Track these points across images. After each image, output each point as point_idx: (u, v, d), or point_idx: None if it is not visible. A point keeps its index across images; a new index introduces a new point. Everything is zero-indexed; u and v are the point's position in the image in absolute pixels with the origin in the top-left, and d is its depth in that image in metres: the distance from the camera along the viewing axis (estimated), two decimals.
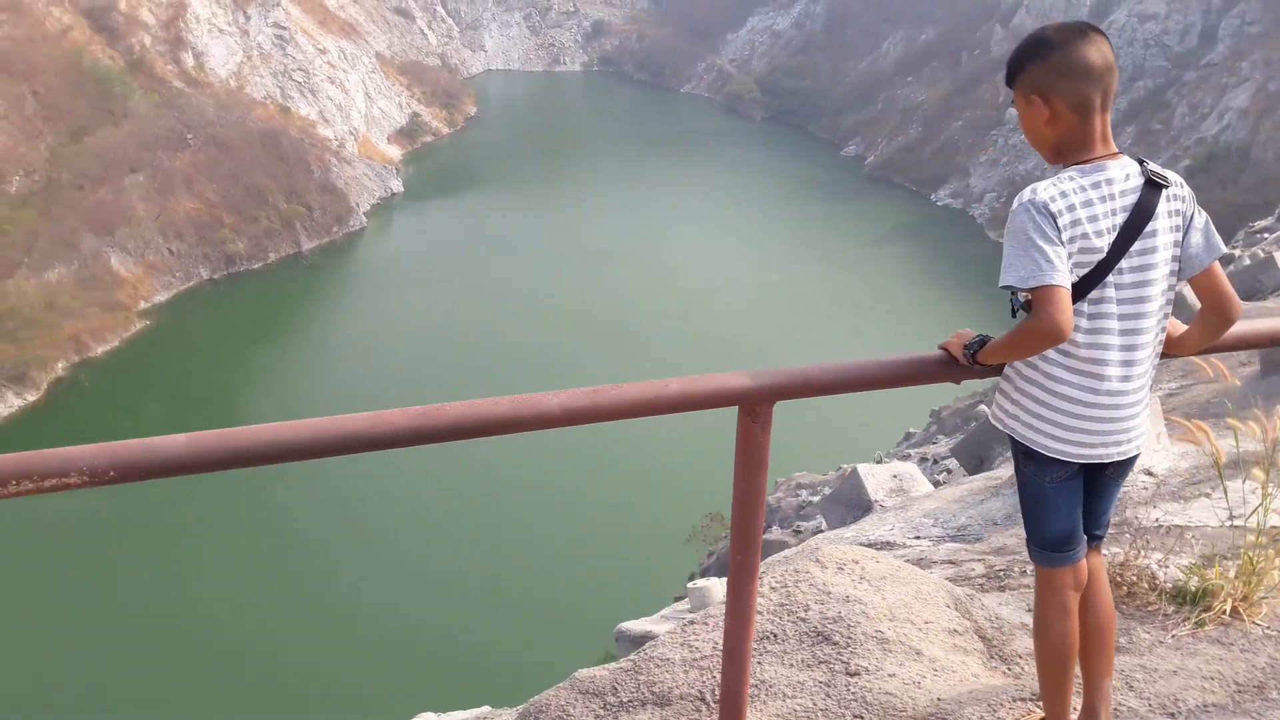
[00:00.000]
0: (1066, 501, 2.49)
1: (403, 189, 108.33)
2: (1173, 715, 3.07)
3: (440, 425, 2.06)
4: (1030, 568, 4.86)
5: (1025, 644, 3.56)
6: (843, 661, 3.22)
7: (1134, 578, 4.10)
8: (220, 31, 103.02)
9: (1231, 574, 3.83)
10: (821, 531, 29.54)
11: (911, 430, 41.90)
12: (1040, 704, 2.99)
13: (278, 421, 2.00)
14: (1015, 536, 6.24)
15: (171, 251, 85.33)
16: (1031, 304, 2.26)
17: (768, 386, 2.37)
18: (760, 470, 2.44)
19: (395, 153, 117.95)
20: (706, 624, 3.61)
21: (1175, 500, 5.83)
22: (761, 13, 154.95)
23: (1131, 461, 2.53)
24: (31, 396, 67.46)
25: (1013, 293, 2.45)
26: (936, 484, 9.90)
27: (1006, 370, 2.50)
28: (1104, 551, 4.88)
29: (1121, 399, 2.38)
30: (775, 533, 31.94)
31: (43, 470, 1.77)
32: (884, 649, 3.24)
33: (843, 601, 3.48)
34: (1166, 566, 4.12)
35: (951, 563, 5.72)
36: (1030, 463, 2.48)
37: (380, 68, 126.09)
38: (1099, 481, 2.54)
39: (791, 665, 3.22)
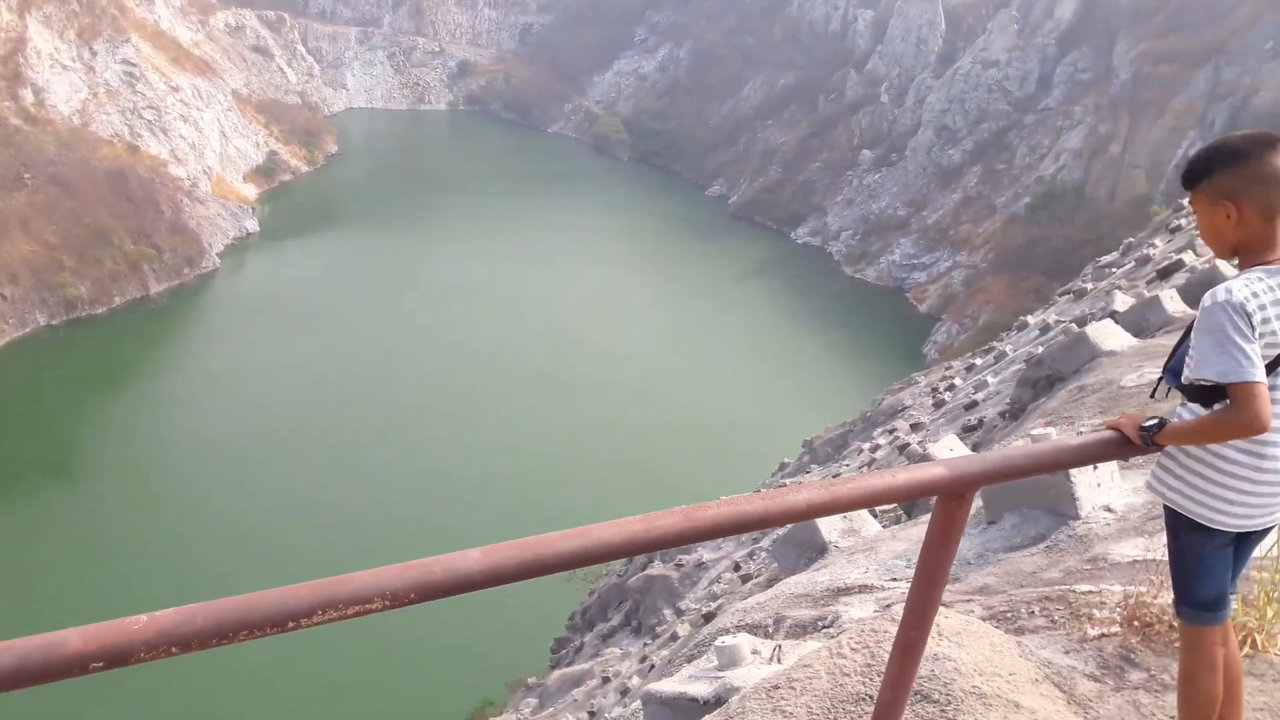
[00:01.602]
0: (1222, 567, 2.68)
1: (259, 228, 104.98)
2: None
3: (704, 525, 2.14)
4: (1038, 610, 5.12)
5: (1087, 688, 3.77)
6: (948, 718, 3.34)
7: (1153, 617, 4.37)
8: (63, 67, 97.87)
9: (1259, 611, 4.16)
10: (703, 565, 29.71)
11: (785, 460, 43.05)
12: None
13: (564, 528, 2.02)
14: (992, 575, 6.53)
15: (4, 297, 79.99)
16: (1230, 398, 2.42)
17: (977, 474, 2.49)
18: (953, 554, 2.55)
19: (251, 191, 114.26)
20: (793, 688, 3.67)
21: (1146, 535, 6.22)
22: (627, 56, 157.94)
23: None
24: None
25: (1168, 382, 2.65)
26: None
27: (1170, 448, 2.67)
28: (1119, 586, 5.20)
29: None
30: (657, 567, 32.15)
31: (348, 598, 1.73)
32: (984, 704, 3.38)
33: (931, 659, 3.60)
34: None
35: (945, 605, 5.94)
36: (1194, 532, 2.64)
37: (237, 106, 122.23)
38: (1245, 544, 2.74)
39: None
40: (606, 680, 22.18)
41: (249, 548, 53.94)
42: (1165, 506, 2.72)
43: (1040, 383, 13.07)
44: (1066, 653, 4.18)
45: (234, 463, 63.18)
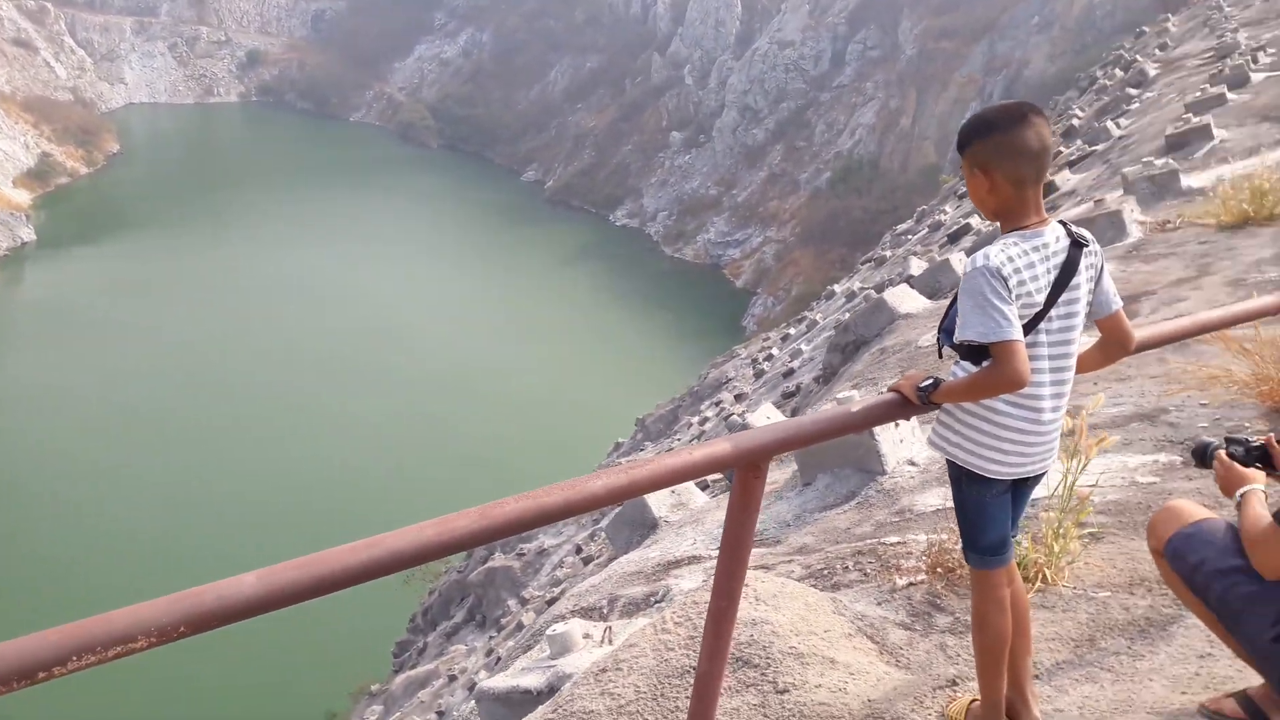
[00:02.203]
0: (1002, 512, 2.84)
1: (35, 237, 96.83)
2: (1038, 677, 3.55)
3: (500, 522, 2.06)
4: (851, 564, 5.33)
5: (898, 635, 3.94)
6: (770, 681, 3.41)
7: (954, 563, 4.62)
8: None
9: (1046, 547, 4.47)
10: (545, 552, 29.74)
11: (620, 440, 43.54)
12: (956, 689, 3.36)
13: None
14: (810, 535, 6.77)
15: None
16: (992, 356, 2.56)
17: (769, 444, 2.53)
18: (753, 523, 2.58)
19: (24, 197, 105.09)
20: (620, 669, 3.67)
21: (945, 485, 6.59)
22: (428, 41, 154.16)
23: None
24: None
25: (941, 341, 2.78)
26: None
27: (947, 404, 2.80)
28: (921, 536, 5.46)
29: (1051, 425, 2.75)
30: (498, 559, 31.88)
31: (106, 639, 1.56)
32: (802, 663, 3.47)
33: (750, 625, 3.68)
34: None
35: (765, 567, 6.11)
36: (975, 483, 2.79)
37: (0, 105, 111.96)
38: (1021, 490, 2.92)
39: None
40: (453, 678, 21.86)
41: (49, 581, 49.90)
42: (947, 460, 2.85)
43: (848, 347, 13.68)
44: (879, 604, 4.36)
45: (31, 490, 58.25)
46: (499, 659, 16.67)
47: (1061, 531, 4.47)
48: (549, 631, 4.99)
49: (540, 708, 3.90)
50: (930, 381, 2.72)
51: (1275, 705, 2.85)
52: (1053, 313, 2.67)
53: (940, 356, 2.89)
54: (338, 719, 36.84)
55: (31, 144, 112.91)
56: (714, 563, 7.03)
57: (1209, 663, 3.39)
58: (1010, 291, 2.55)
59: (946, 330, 2.75)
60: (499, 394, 71.86)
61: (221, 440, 64.57)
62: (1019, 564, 4.50)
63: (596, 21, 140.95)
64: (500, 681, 4.87)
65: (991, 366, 2.57)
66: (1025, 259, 2.61)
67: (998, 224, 2.79)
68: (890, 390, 2.82)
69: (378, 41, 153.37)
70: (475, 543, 2.01)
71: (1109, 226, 12.35)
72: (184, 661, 43.50)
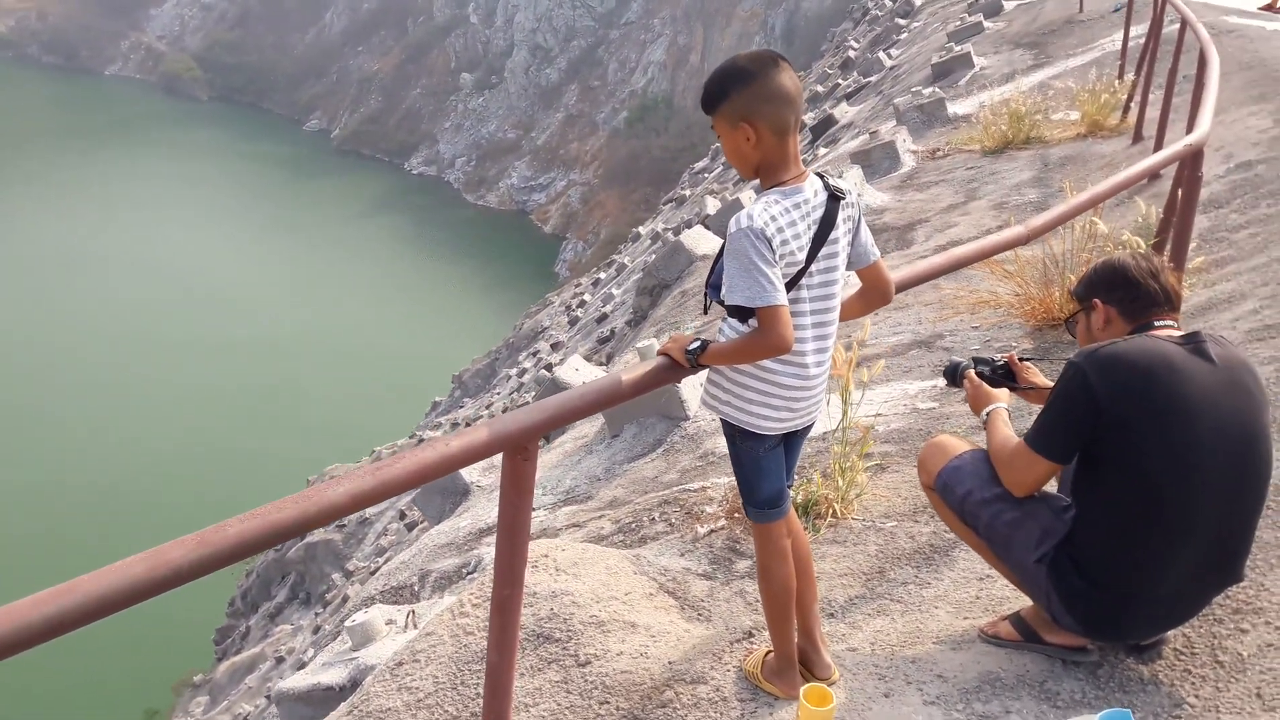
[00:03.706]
0: (777, 465, 2.84)
1: None
2: (833, 615, 3.64)
3: (223, 549, 1.83)
4: (658, 515, 5.35)
5: (699, 587, 3.96)
6: (571, 655, 3.33)
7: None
8: None
9: (834, 482, 4.59)
10: (367, 521, 29.02)
11: (437, 399, 42.75)
12: (752, 640, 3.38)
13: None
14: (620, 487, 6.77)
15: None
16: (758, 320, 2.51)
17: (533, 425, 2.40)
18: (528, 506, 2.46)
19: None
20: (417, 660, 3.50)
21: None
22: None
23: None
24: None
25: (709, 296, 2.72)
26: None
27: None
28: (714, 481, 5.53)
29: (818, 379, 2.75)
30: (318, 533, 30.84)
31: None
32: (603, 631, 3.41)
33: (550, 598, 3.58)
34: None
35: (577, 525, 6.06)
36: (748, 439, 2.77)
37: None
38: (792, 442, 2.92)
39: (523, 674, 3.27)
40: (280, 660, 21.13)
41: None
42: (721, 419, 2.83)
43: (655, 289, 13.77)
44: (682, 555, 4.37)
45: None
46: (329, 634, 16.16)
47: (848, 465, 4.60)
48: (348, 623, 4.75)
49: (341, 705, 3.69)
50: (698, 344, 2.67)
51: (1045, 624, 3.01)
52: (813, 268, 2.66)
53: (705, 311, 2.85)
54: (159, 716, 35.04)
55: None
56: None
57: (988, 585, 3.56)
58: (774, 253, 2.51)
59: (714, 286, 2.71)
60: (308, 357, 69.01)
61: (22, 417, 59.25)
62: (810, 502, 4.62)
63: None
64: (300, 681, 4.61)
65: (757, 331, 2.54)
66: (787, 217, 2.57)
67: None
68: (659, 354, 2.76)
69: None
70: (197, 573, 1.79)
71: (885, 157, 12.88)
72: None
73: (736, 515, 4.62)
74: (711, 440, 6.71)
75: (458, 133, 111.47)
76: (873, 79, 24.57)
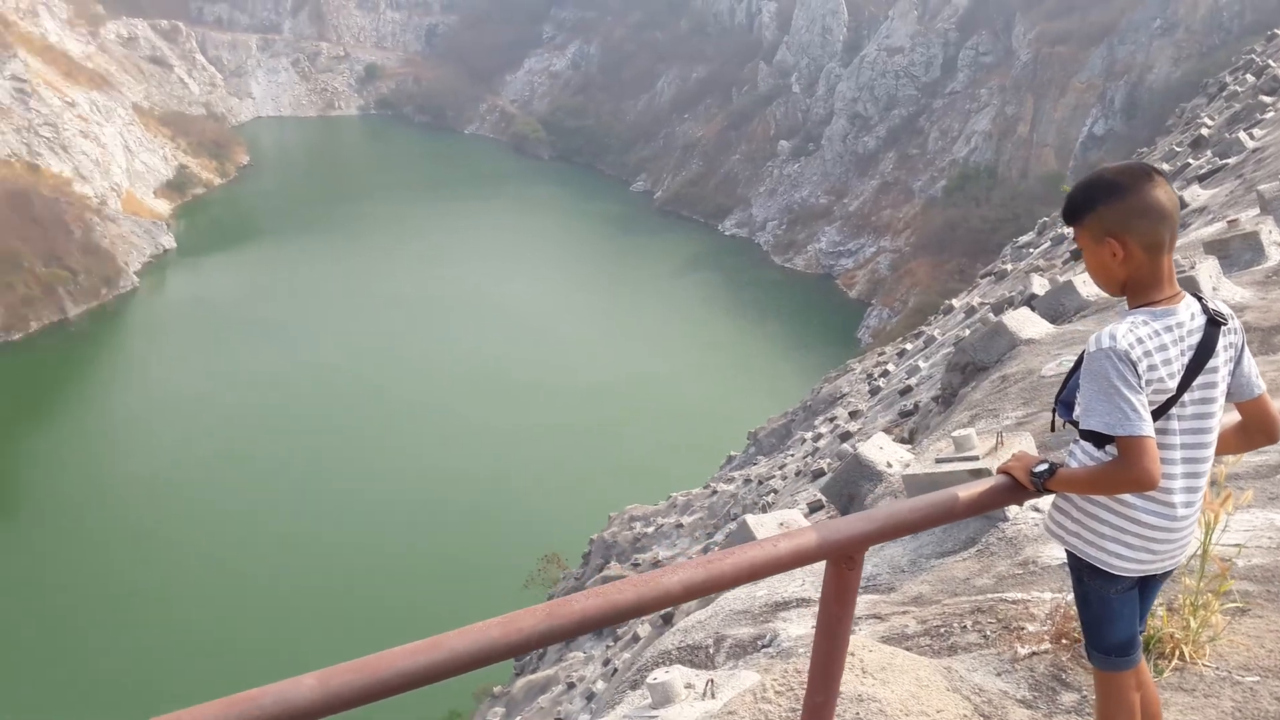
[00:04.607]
0: (1129, 609, 2.59)
1: (175, 244, 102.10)
2: None
3: (569, 623, 1.96)
4: (970, 624, 5.05)
5: (1018, 716, 3.69)
6: None
7: (1080, 631, 4.31)
8: None
9: (1183, 620, 4.12)
10: (659, 564, 29.74)
11: (732, 453, 43.29)
12: None
13: (411, 644, 1.83)
14: (926, 584, 6.47)
15: None
16: (1119, 451, 2.32)
17: (862, 535, 2.37)
18: (850, 616, 2.42)
19: (164, 207, 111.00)
20: None
21: None
22: (537, 54, 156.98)
23: None
24: None
25: (1059, 414, 2.55)
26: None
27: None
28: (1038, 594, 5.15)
29: (1186, 521, 2.49)
30: (614, 567, 32.00)
31: None
32: None
33: (856, 701, 3.48)
34: None
35: (877, 617, 5.86)
36: (1097, 577, 2.55)
37: (139, 119, 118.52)
38: (1149, 585, 2.66)
39: None
40: (571, 686, 22.06)
41: (187, 581, 52.47)
42: (1066, 550, 2.62)
43: (967, 368, 13.20)
44: (999, 674, 4.10)
45: (168, 487, 61.42)
46: (615, 670, 16.71)
47: (1201, 603, 4.11)
48: (650, 679, 4.87)
49: None
50: (1045, 467, 2.49)
51: None
52: (1186, 398, 2.41)
53: (1053, 430, 2.66)
54: (462, 718, 37.56)
55: (169, 156, 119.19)
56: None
57: None
58: (1140, 378, 2.31)
59: (1065, 403, 2.53)
60: (612, 404, 72.59)
61: (356, 441, 66.96)
62: (1152, 639, 4.16)
63: (702, 31, 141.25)
64: None
65: (1118, 462, 2.33)
66: (1156, 340, 2.36)
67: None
68: (1000, 470, 2.60)
69: (489, 55, 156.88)
70: (543, 642, 1.93)
71: (1246, 248, 11.60)
72: (291, 657, 45.10)
73: (1064, 641, 4.26)
74: (1033, 547, 6.26)
75: (771, 197, 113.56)
76: (1230, 161, 22.27)
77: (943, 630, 5.05)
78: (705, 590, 2.14)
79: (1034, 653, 4.20)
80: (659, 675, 5.04)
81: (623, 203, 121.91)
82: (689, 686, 5.03)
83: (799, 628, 6.60)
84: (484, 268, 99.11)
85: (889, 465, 9.33)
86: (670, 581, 2.10)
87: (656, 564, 28.87)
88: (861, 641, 3.94)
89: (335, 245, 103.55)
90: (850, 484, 9.87)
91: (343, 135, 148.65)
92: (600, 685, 18.09)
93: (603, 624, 2.01)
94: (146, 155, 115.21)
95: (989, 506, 2.60)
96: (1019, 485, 2.55)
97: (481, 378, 76.26)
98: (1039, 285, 17.14)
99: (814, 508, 16.16)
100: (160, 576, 52.79)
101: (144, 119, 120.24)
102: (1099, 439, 2.42)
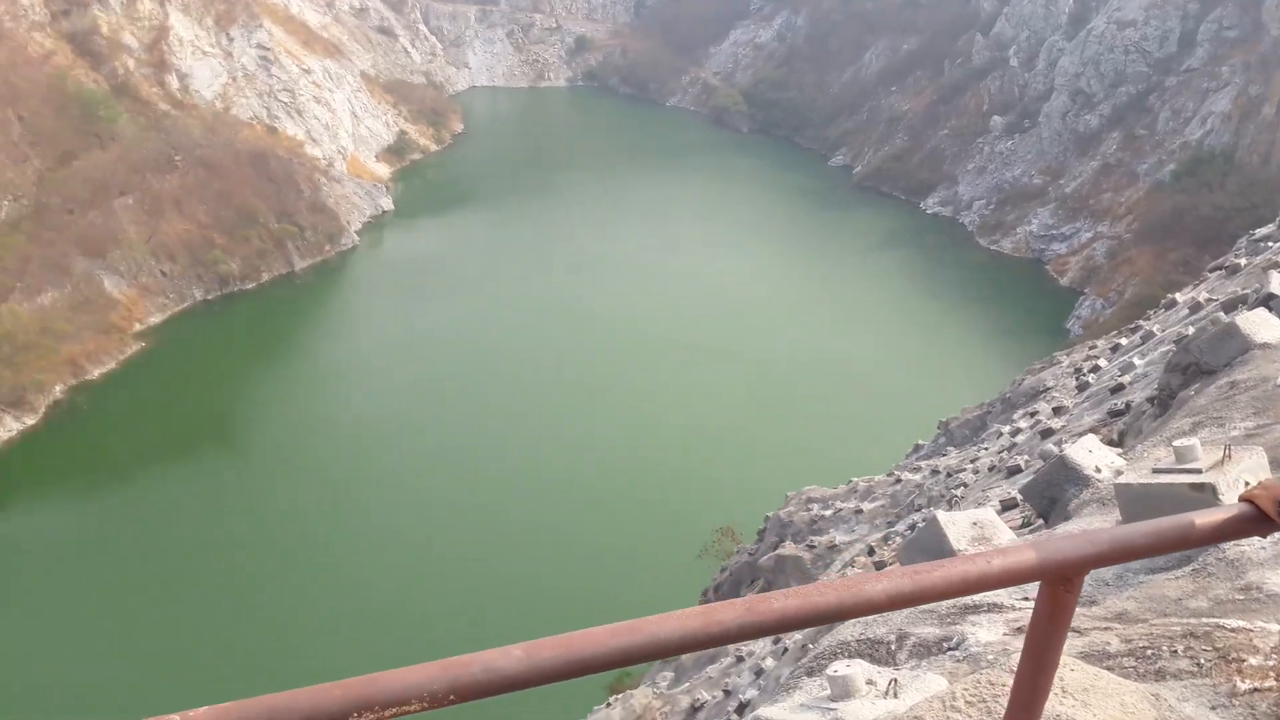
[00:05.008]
0: None
1: (393, 206, 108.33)
2: None
3: (767, 620, 1.98)
4: (1181, 649, 4.74)
5: None
6: None
7: None
8: (203, 53, 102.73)
9: None
10: (836, 548, 29.30)
11: (920, 442, 42.00)
12: None
13: (614, 624, 1.92)
14: (1132, 600, 6.11)
15: (164, 273, 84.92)
16: None
17: (1084, 557, 2.26)
18: (1062, 641, 2.32)
19: (384, 171, 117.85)
20: None
21: None
22: (743, 26, 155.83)
23: None
24: (30, 420, 66.95)
25: None
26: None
27: None
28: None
29: None
30: (789, 547, 31.86)
31: (383, 699, 1.69)
32: None
33: None
34: None
35: (1076, 631, 5.58)
36: None
37: (365, 87, 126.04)
38: None
39: None
40: (740, 659, 22.24)
41: (398, 513, 56.38)
42: None
43: (1189, 369, 12.25)
44: (1213, 708, 3.85)
45: (382, 431, 66.04)
46: (786, 648, 16.70)
47: None
48: (830, 671, 4.84)
49: None
50: None
51: None
52: None
53: None
54: (632, 678, 38.69)
55: (391, 123, 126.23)
56: (1018, 615, 6.56)
57: None
58: None
59: None
60: (798, 380, 72.16)
61: (539, 400, 69.81)
62: None
63: (915, 2, 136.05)
64: (777, 714, 4.79)
65: None
66: None
67: None
68: (1243, 499, 2.40)
69: (695, 27, 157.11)
70: (741, 637, 1.96)
71: None
72: (479, 607, 47.53)
73: None
74: (1258, 572, 5.79)
75: (980, 175, 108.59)
76: None
77: (1150, 653, 4.77)
78: (910, 602, 2.10)
79: (1256, 689, 3.90)
80: (839, 668, 5.01)
81: (820, 177, 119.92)
82: (870, 683, 4.97)
83: (989, 633, 6.36)
84: (677, 237, 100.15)
85: (1097, 470, 8.80)
86: (874, 590, 2.08)
87: (832, 548, 28.56)
88: (1064, 659, 3.77)
89: (538, 211, 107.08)
90: (1053, 486, 9.36)
91: (550, 106, 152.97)
92: (770, 662, 18.09)
93: (801, 625, 2.02)
94: (371, 121, 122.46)
95: (1228, 537, 2.41)
96: (1264, 517, 2.35)
97: (669, 344, 77.43)
98: (1278, 284, 15.63)
99: (1006, 505, 15.49)
100: (368, 506, 57.11)
101: (370, 86, 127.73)
102: None
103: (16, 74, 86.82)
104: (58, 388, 70.17)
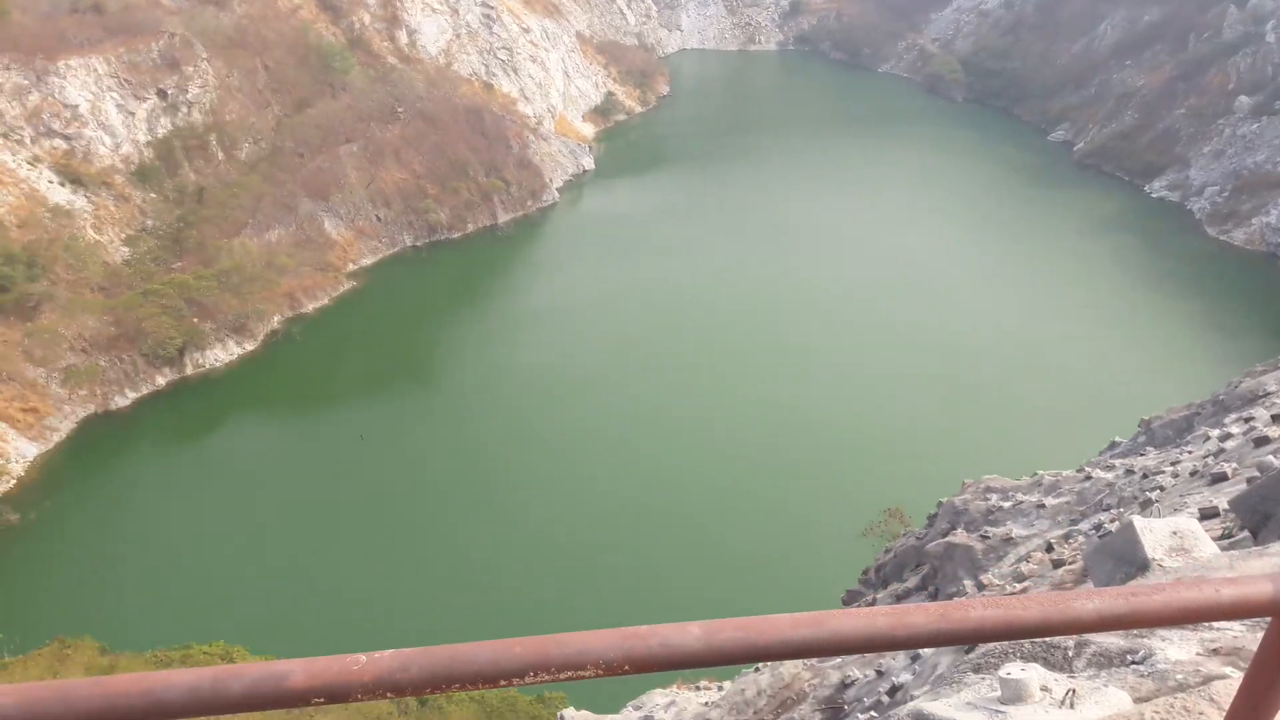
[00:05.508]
0: None
1: (594, 166, 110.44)
2: None
3: (963, 629, 1.97)
4: None
5: None
6: None
7: None
8: (433, 11, 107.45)
9: None
10: (1011, 541, 28.11)
11: (1117, 439, 39.44)
12: None
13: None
14: None
15: (379, 218, 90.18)
16: None
17: None
18: None
19: (589, 130, 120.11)
20: None
21: None
22: None
23: None
24: (250, 346, 73.35)
25: None
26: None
27: None
28: None
29: None
30: (960, 535, 30.73)
31: (561, 661, 1.78)
32: None
33: None
34: None
35: None
36: None
37: (579, 47, 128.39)
38: None
39: None
40: None
41: (584, 464, 58.34)
42: None
43: None
44: None
45: (570, 382, 68.23)
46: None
47: None
48: (1003, 672, 4.76)
49: None
50: None
51: None
52: None
53: None
54: None
55: (600, 83, 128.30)
56: (1215, 636, 6.19)
57: None
58: None
59: None
60: (991, 362, 69.29)
61: (719, 365, 70.00)
62: None
63: None
64: (942, 710, 4.75)
65: None
66: None
67: None
68: None
69: None
70: (931, 643, 1.95)
71: None
72: (630, 580, 48.41)
73: None
74: None
75: (1216, 159, 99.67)
76: None
77: None
78: (1123, 625, 2.03)
79: None
80: (1013, 670, 4.91)
81: (1037, 152, 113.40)
82: (1045, 689, 4.85)
83: (1180, 651, 6.03)
84: (879, 206, 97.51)
85: None
86: (1083, 608, 2.01)
87: (1007, 540, 27.32)
88: None
89: (737, 175, 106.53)
90: (1269, 501, 8.65)
91: (758, 70, 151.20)
92: (928, 650, 17.57)
93: (999, 638, 2.00)
94: (581, 81, 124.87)
95: None
96: None
97: (856, 317, 75.87)
98: None
99: (1205, 514, 14.42)
100: (555, 448, 59.56)
101: (583, 46, 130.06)
102: None
103: (267, 26, 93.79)
104: (276, 318, 76.23)
